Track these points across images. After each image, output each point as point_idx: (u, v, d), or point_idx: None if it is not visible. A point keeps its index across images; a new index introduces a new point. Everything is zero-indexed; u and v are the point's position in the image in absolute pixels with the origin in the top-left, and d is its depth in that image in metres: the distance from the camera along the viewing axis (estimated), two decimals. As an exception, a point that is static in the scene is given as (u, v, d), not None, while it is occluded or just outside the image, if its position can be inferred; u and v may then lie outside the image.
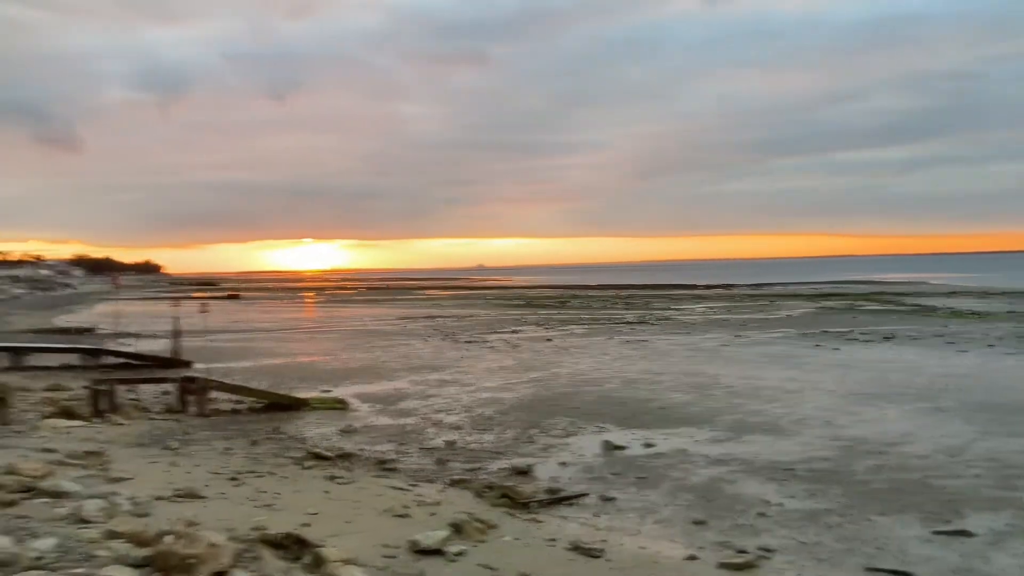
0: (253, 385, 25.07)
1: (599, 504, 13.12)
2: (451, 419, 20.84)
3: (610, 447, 17.13)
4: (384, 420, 20.97)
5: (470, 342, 42.57)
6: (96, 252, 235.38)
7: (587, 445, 17.54)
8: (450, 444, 17.71)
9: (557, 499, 13.28)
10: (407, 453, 17.02)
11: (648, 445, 17.38)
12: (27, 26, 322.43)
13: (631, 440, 17.82)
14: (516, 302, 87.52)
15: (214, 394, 22.19)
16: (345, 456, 16.46)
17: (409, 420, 20.87)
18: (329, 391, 25.75)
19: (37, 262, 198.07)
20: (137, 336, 43.57)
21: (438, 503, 12.68)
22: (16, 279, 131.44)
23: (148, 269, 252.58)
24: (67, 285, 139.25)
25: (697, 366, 30.92)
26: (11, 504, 11.10)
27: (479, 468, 15.59)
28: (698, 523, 11.98)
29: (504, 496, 13.17)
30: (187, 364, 32.74)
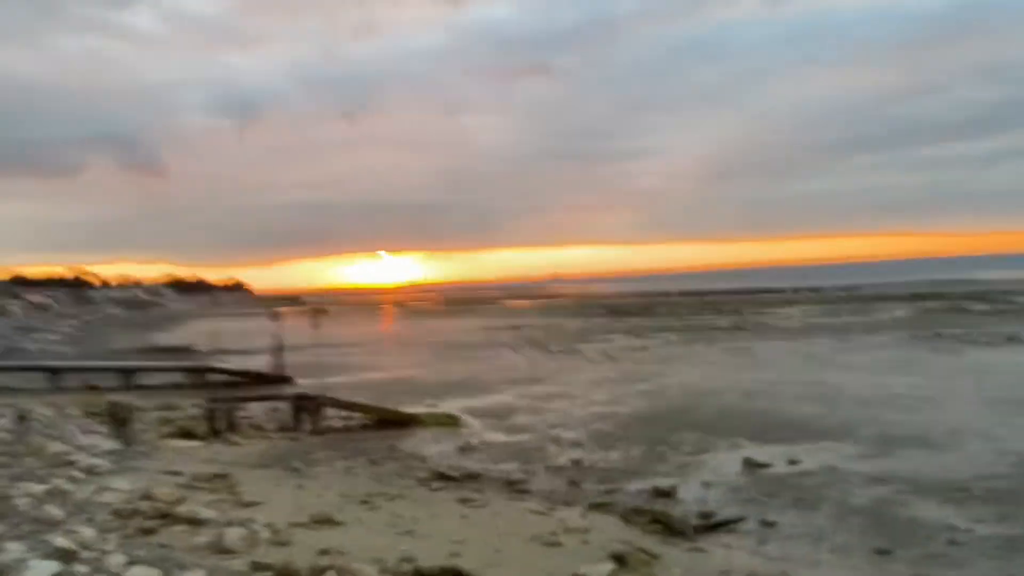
0: (357, 400, 24.71)
1: (761, 530, 12.06)
2: (569, 435, 19.97)
3: (752, 464, 16.00)
4: (500, 436, 20.25)
5: (564, 352, 41.71)
6: (183, 272, 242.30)
7: (725, 463, 16.44)
8: (577, 463, 16.84)
9: (714, 524, 12.27)
10: (534, 473, 16.21)
11: (792, 462, 16.18)
12: (113, 59, 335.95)
13: (772, 456, 16.62)
14: (599, 311, 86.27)
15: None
16: (471, 476, 15.76)
17: (525, 436, 20.09)
18: (435, 405, 25.20)
19: (131, 284, 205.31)
20: (233, 353, 44.16)
21: (586, 529, 11.81)
22: (115, 300, 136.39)
23: (234, 287, 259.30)
24: (159, 304, 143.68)
25: (814, 374, 29.39)
26: (151, 532, 10.71)
27: (616, 489, 14.68)
28: (882, 552, 10.81)
29: (656, 521, 12.22)
30: (289, 380, 32.75)
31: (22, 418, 17.12)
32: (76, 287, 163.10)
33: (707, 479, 15.22)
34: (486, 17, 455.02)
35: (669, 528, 11.93)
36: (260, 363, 36.57)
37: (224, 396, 22.33)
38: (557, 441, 19.29)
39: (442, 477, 15.48)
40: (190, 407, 26.25)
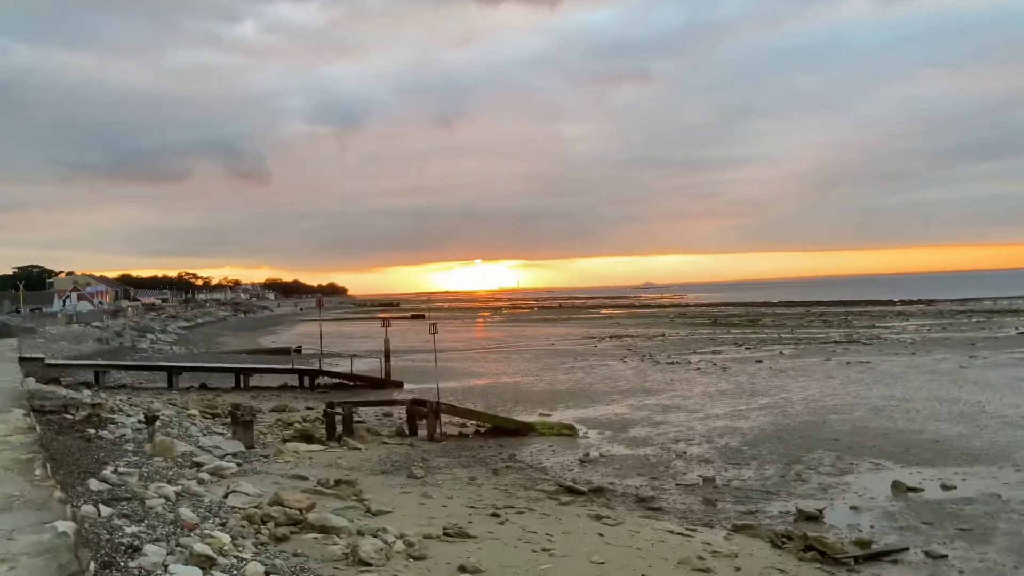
0: (472, 407, 24.40)
1: (929, 562, 10.99)
2: (695, 450, 19.08)
3: (902, 488, 14.81)
4: (620, 449, 19.51)
5: (673, 363, 40.55)
6: (285, 276, 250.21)
7: (871, 486, 15.28)
8: (708, 480, 15.95)
9: (874, 554, 11.26)
10: (664, 489, 15.43)
11: (947, 487, 14.91)
12: (220, 70, 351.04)
13: (922, 480, 15.40)
14: (701, 320, 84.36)
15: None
16: (598, 491, 15.08)
17: (648, 450, 19.29)
18: (548, 415, 24.66)
19: (235, 286, 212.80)
20: (339, 356, 44.59)
21: (734, 554, 11.00)
22: (220, 302, 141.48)
23: (333, 291, 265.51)
24: (264, 307, 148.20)
25: (946, 391, 27.54)
26: (284, 539, 10.45)
27: (756, 511, 13.77)
28: (1079, 595, 9.66)
29: (810, 548, 11.29)
30: (398, 385, 32.79)
31: (152, 418, 17.36)
32: (181, 288, 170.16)
33: (855, 503, 14.14)
34: (584, 23, 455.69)
35: (825, 556, 10.99)
36: (365, 366, 36.80)
37: (342, 400, 22.26)
38: (683, 456, 18.43)
39: (569, 491, 14.86)
40: (304, 409, 26.52)
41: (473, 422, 22.35)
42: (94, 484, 11.54)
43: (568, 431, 21.54)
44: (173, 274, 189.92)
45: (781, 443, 19.55)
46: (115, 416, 19.84)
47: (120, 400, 24.19)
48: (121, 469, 13.30)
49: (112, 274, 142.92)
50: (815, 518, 13.13)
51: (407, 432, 21.25)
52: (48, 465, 9.15)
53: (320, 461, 17.02)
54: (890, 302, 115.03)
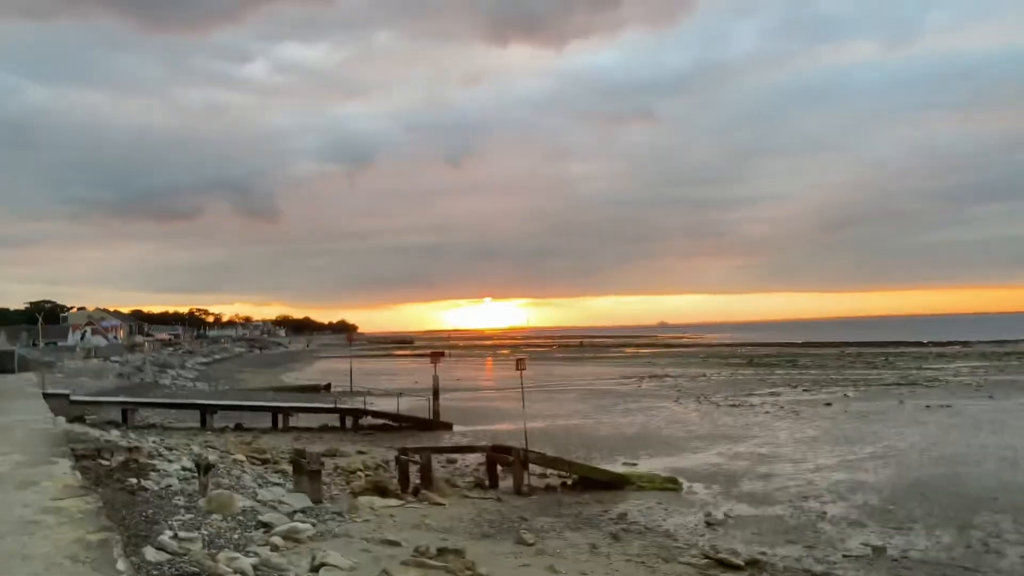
0: (561, 456, 21.64)
1: None
2: (834, 510, 16.29)
3: None
4: (744, 508, 16.71)
5: (734, 406, 37.71)
6: (295, 313, 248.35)
7: (1092, 562, 12.54)
8: (878, 550, 13.20)
9: None
10: (833, 563, 12.65)
11: None
12: (231, 109, 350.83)
13: None
14: (736, 361, 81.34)
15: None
16: (754, 564, 12.31)
17: (777, 509, 16.50)
18: (634, 464, 21.96)
19: (247, 323, 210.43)
20: (372, 393, 41.98)
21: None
22: (233, 338, 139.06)
23: (343, 329, 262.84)
24: (278, 344, 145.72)
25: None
26: (412, 639, 7.85)
27: (972, 594, 11.04)
28: None
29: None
30: (447, 427, 30.16)
31: (207, 467, 14.67)
32: (193, 324, 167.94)
33: (1092, 586, 11.40)
34: (590, 64, 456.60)
35: None
36: (404, 405, 34.09)
37: (417, 447, 19.56)
38: (824, 518, 15.64)
39: (721, 564, 12.12)
40: (355, 453, 23.88)
41: (553, 471, 19.65)
42: (151, 553, 8.95)
43: (671, 485, 18.76)
44: (184, 310, 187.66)
45: (929, 502, 16.76)
46: (155, 462, 17.22)
47: (154, 442, 21.59)
48: (180, 533, 10.66)
49: (124, 310, 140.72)
50: (1057, 607, 10.40)
51: (487, 483, 18.54)
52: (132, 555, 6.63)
53: (404, 520, 14.32)
54: (920, 343, 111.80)
